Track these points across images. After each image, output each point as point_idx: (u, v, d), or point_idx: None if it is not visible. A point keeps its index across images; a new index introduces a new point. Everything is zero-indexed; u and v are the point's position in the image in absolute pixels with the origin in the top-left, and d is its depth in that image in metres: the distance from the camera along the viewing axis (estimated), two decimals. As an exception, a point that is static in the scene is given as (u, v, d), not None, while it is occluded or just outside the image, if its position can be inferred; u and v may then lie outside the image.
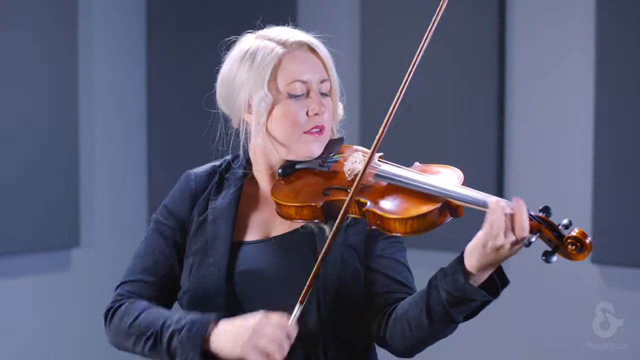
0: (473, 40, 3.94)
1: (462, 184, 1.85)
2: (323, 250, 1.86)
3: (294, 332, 1.85)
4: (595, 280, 3.74)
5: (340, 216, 1.85)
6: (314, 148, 1.98)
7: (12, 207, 3.98)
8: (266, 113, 1.97)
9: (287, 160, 2.01)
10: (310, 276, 1.85)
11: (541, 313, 3.86)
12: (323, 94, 2.00)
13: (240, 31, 2.08)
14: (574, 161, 3.78)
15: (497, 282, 1.82)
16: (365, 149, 2.01)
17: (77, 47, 4.17)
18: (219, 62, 2.07)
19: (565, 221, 1.76)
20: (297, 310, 1.86)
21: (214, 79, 2.08)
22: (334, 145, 2.02)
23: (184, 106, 4.31)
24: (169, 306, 2.08)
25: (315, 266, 1.85)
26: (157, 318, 1.96)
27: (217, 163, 2.11)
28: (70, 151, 4.16)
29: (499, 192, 3.90)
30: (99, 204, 4.33)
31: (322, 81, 2.00)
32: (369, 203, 1.85)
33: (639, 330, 3.65)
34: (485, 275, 1.79)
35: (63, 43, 4.13)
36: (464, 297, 1.79)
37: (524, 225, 1.72)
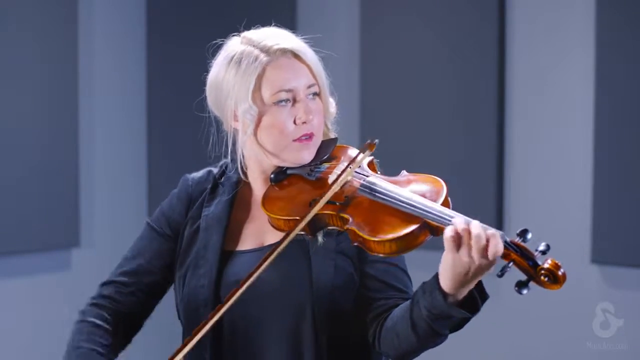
0: (473, 40, 3.94)
1: (445, 197, 1.80)
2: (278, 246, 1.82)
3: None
4: (595, 280, 3.74)
5: (306, 221, 1.83)
6: (305, 155, 1.94)
7: (12, 207, 3.98)
8: (252, 124, 1.92)
9: (279, 166, 1.97)
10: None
11: (541, 313, 3.86)
12: (313, 94, 1.95)
13: (240, 31, 2.06)
14: (574, 161, 3.78)
15: (476, 297, 1.78)
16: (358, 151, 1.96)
17: (77, 47, 4.17)
18: (216, 63, 2.05)
19: (542, 247, 1.71)
20: None
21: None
22: (327, 147, 1.98)
23: (184, 106, 4.28)
24: (146, 311, 2.06)
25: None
26: None
27: (214, 168, 2.08)
28: (70, 151, 4.16)
29: (499, 193, 3.89)
30: (99, 204, 4.33)
31: (309, 86, 1.94)
32: (350, 220, 1.82)
33: (639, 330, 3.65)
34: (464, 292, 1.75)
35: (63, 43, 4.12)
36: (443, 314, 1.76)
37: (480, 239, 1.68)
